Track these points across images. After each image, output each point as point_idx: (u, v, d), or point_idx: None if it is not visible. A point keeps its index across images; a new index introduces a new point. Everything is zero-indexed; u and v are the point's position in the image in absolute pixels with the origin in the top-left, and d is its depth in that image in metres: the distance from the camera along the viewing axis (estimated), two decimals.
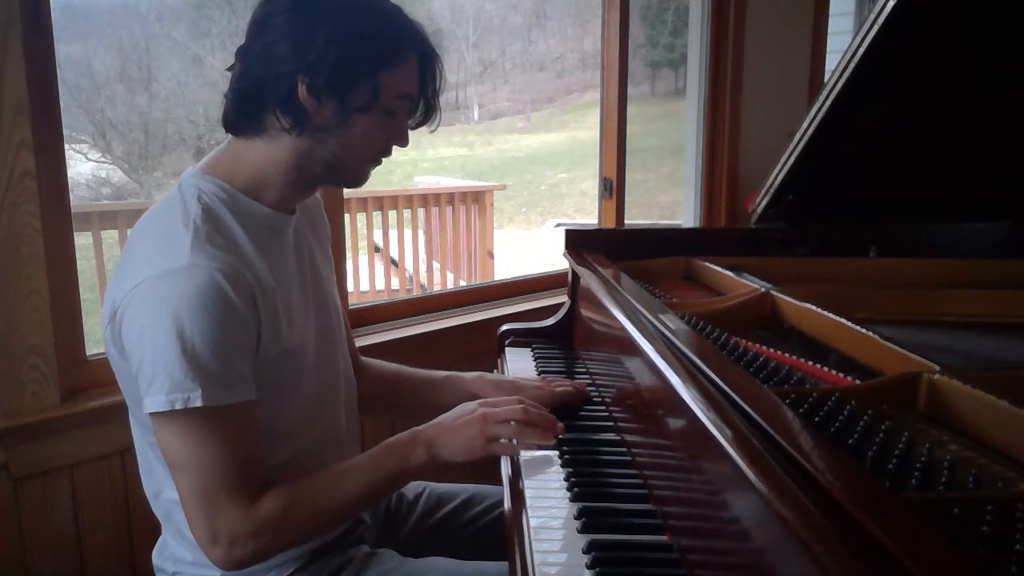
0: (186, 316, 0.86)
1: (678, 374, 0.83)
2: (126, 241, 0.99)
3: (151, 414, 0.89)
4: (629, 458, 1.07)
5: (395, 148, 1.04)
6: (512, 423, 1.05)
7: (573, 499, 0.96)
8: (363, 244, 5.36)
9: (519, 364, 1.52)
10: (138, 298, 0.88)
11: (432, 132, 1.07)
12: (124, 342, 0.91)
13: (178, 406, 0.87)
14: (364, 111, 0.96)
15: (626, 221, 2.55)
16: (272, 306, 0.96)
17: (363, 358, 1.32)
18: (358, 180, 1.05)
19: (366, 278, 4.93)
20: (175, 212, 0.94)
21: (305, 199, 1.10)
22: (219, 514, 0.90)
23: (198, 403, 0.87)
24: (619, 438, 1.14)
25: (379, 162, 1.05)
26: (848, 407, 0.75)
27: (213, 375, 0.87)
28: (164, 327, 0.86)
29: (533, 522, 0.91)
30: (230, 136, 1.01)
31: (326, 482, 0.99)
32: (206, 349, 0.87)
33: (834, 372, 0.91)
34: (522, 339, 1.65)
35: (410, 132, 1.05)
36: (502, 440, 1.05)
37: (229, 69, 0.99)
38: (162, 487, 1.02)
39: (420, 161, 13.01)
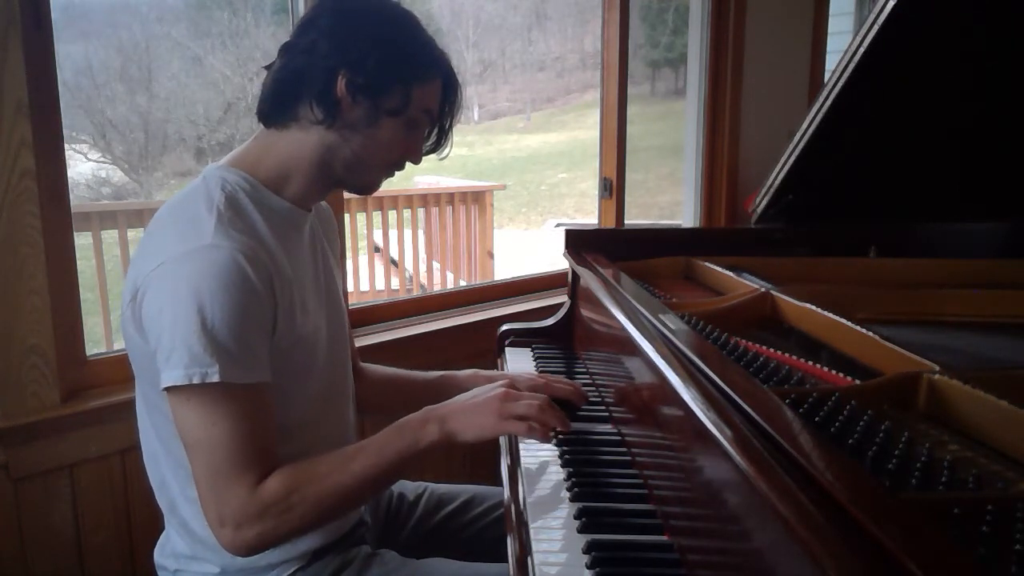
0: (207, 294, 0.88)
1: (678, 374, 0.83)
2: (147, 226, 1.00)
3: (167, 389, 0.90)
4: (629, 458, 1.07)
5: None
6: (531, 404, 1.05)
7: (573, 499, 0.95)
8: (363, 244, 5.36)
9: (519, 364, 1.52)
10: (160, 276, 0.90)
11: (441, 160, 1.13)
12: (144, 319, 0.92)
13: (195, 380, 0.88)
14: (393, 116, 1.01)
15: (626, 221, 2.54)
16: (288, 293, 0.98)
17: (360, 363, 1.33)
18: (370, 187, 1.09)
19: (366, 278, 4.92)
20: (199, 198, 0.97)
21: (320, 199, 1.14)
22: (227, 494, 0.90)
23: (215, 379, 0.88)
24: (619, 438, 1.14)
25: (392, 173, 1.10)
26: (848, 407, 0.75)
27: (231, 353, 0.89)
28: (185, 304, 0.87)
29: (533, 522, 0.91)
30: (258, 130, 1.05)
31: (333, 464, 0.97)
32: (225, 327, 0.88)
33: (834, 372, 0.91)
34: (522, 339, 1.66)
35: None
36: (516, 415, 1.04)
37: (267, 67, 1.04)
38: (166, 477, 1.02)
39: None
